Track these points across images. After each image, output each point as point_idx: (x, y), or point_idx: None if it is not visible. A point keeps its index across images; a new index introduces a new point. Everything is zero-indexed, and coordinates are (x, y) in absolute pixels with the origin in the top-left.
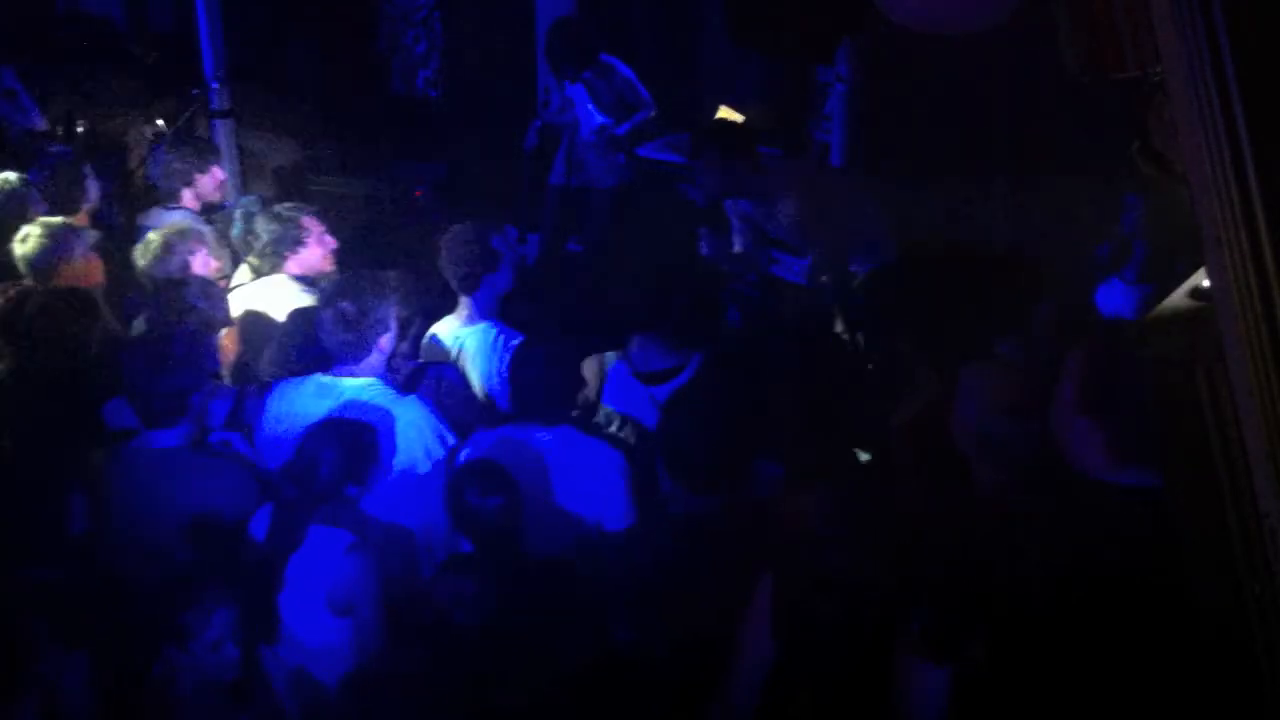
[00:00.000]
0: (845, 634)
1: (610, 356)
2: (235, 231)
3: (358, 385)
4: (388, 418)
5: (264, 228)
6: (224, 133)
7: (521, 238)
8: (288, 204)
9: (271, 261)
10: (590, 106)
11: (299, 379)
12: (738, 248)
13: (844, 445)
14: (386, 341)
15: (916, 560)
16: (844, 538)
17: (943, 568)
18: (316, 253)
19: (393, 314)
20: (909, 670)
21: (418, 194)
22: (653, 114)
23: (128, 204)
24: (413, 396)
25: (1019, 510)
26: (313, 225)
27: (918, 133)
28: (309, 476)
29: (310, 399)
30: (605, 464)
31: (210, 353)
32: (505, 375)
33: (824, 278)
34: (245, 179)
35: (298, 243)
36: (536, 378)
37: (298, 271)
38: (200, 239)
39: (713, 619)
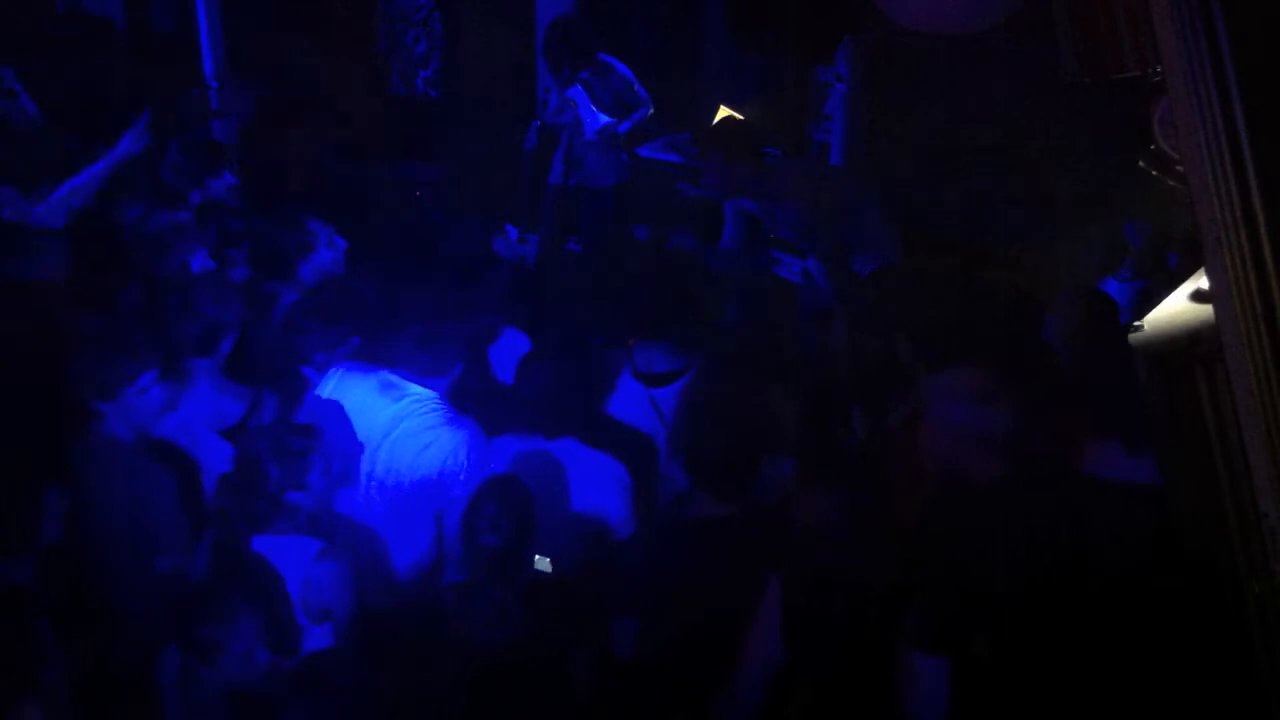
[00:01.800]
0: (848, 632)
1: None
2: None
3: (422, 394)
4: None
5: (272, 235)
6: (224, 133)
7: (522, 238)
8: (293, 209)
9: (284, 269)
10: (592, 108)
11: (362, 369)
12: (727, 244)
13: (847, 446)
14: (458, 369)
15: (918, 558)
16: (848, 539)
17: (943, 565)
18: (328, 257)
19: (468, 341)
20: (911, 666)
21: (417, 194)
22: (651, 112)
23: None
24: (468, 420)
25: (1018, 507)
26: (320, 229)
27: (918, 133)
28: (248, 484)
29: (372, 393)
30: (606, 475)
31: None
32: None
33: (825, 278)
34: (245, 179)
35: (308, 249)
36: (544, 389)
37: (312, 278)
38: (200, 239)
39: (720, 620)
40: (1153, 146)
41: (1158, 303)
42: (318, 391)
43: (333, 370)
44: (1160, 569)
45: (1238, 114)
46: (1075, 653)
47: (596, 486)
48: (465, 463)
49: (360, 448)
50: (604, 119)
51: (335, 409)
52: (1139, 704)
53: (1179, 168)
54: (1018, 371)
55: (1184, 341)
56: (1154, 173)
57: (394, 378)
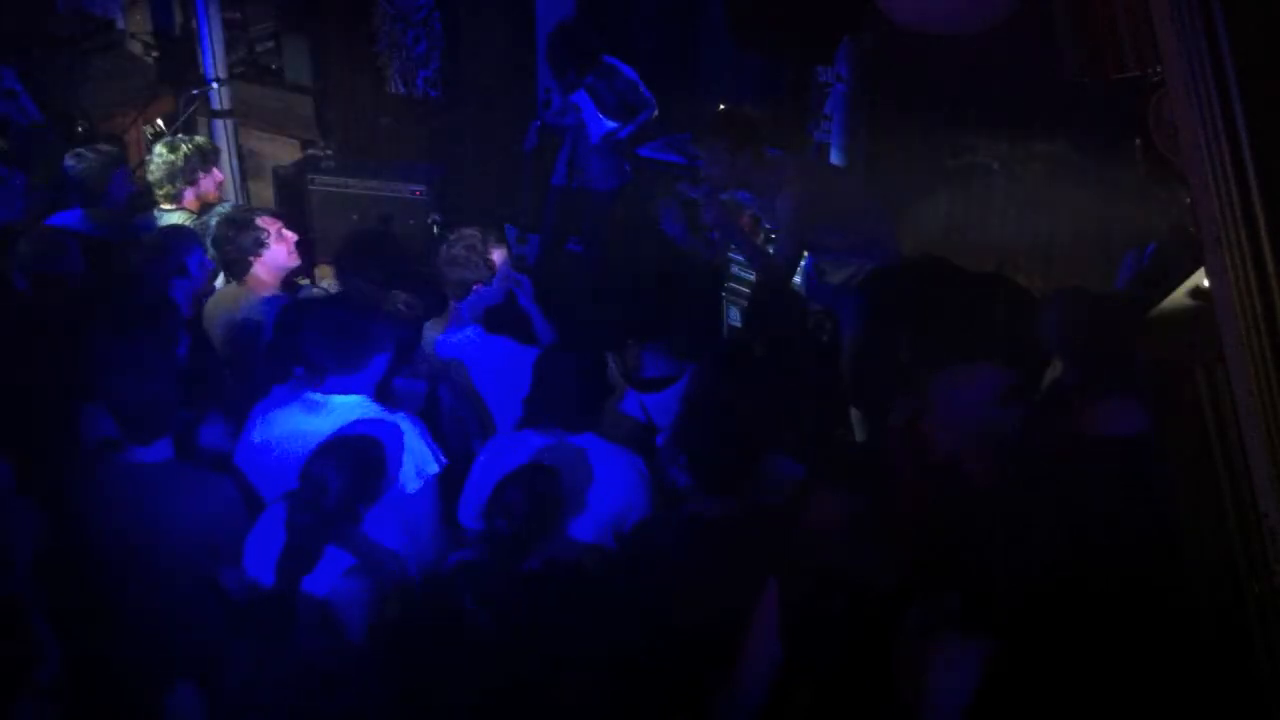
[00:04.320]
0: (848, 632)
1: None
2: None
3: (348, 402)
4: (395, 432)
5: (223, 234)
6: (224, 133)
7: (522, 238)
8: (242, 207)
9: (239, 267)
10: (597, 114)
11: (284, 395)
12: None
13: (854, 446)
14: (381, 360)
15: (925, 557)
16: (853, 539)
17: (947, 562)
18: (281, 251)
19: (389, 332)
20: (932, 665)
21: (417, 194)
22: (655, 114)
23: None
24: (401, 414)
25: (1016, 505)
26: (271, 224)
27: (918, 132)
28: (321, 499)
29: (298, 416)
30: (629, 470)
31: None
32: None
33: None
34: (245, 179)
35: (260, 245)
36: (566, 385)
37: (266, 274)
38: (197, 239)
39: (720, 620)
40: (1152, 147)
41: (1158, 303)
42: (250, 436)
43: (255, 412)
44: (1160, 569)
45: (1238, 114)
46: (1075, 652)
47: (620, 481)
48: (413, 458)
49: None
50: (609, 124)
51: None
52: (1139, 704)
53: (1179, 168)
54: (1021, 371)
55: (1184, 341)
56: (1153, 173)
57: (316, 396)
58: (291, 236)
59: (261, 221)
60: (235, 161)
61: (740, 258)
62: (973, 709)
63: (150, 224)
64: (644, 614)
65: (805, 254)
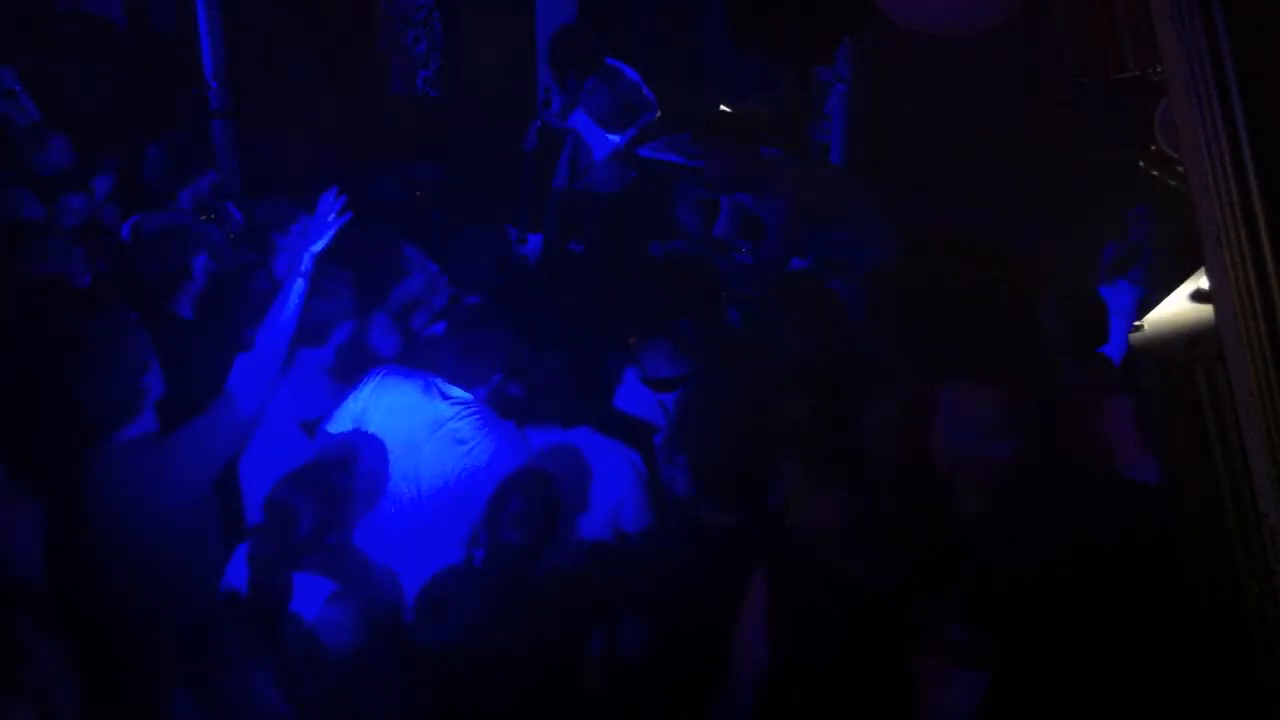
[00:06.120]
0: (848, 632)
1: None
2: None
3: (463, 397)
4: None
5: (366, 257)
6: (224, 133)
7: (521, 237)
8: (388, 235)
9: (377, 292)
10: (597, 130)
11: (404, 372)
12: (720, 232)
13: (853, 446)
14: (499, 375)
15: (925, 557)
16: (852, 538)
17: (947, 562)
18: (420, 281)
19: (509, 351)
20: (932, 666)
21: (418, 194)
22: (657, 115)
23: (126, 204)
24: (510, 423)
25: (1016, 508)
26: (414, 254)
27: (918, 133)
28: (287, 531)
29: (415, 393)
30: (623, 464)
31: (143, 347)
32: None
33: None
34: (244, 179)
35: (403, 274)
36: (556, 381)
37: (400, 301)
38: (200, 240)
39: (721, 621)
40: (1153, 146)
41: (1158, 303)
42: (357, 391)
43: (374, 372)
44: (1160, 569)
45: (1238, 114)
46: (1075, 653)
47: (614, 475)
48: (512, 464)
49: (386, 465)
50: (611, 139)
51: (365, 418)
52: (1139, 704)
53: (1179, 168)
54: (1020, 384)
55: (1184, 341)
56: (1154, 173)
57: (437, 381)
58: (433, 268)
59: (407, 251)
60: (235, 161)
61: (740, 258)
62: (973, 709)
63: (151, 223)
64: (645, 615)
65: (808, 254)
